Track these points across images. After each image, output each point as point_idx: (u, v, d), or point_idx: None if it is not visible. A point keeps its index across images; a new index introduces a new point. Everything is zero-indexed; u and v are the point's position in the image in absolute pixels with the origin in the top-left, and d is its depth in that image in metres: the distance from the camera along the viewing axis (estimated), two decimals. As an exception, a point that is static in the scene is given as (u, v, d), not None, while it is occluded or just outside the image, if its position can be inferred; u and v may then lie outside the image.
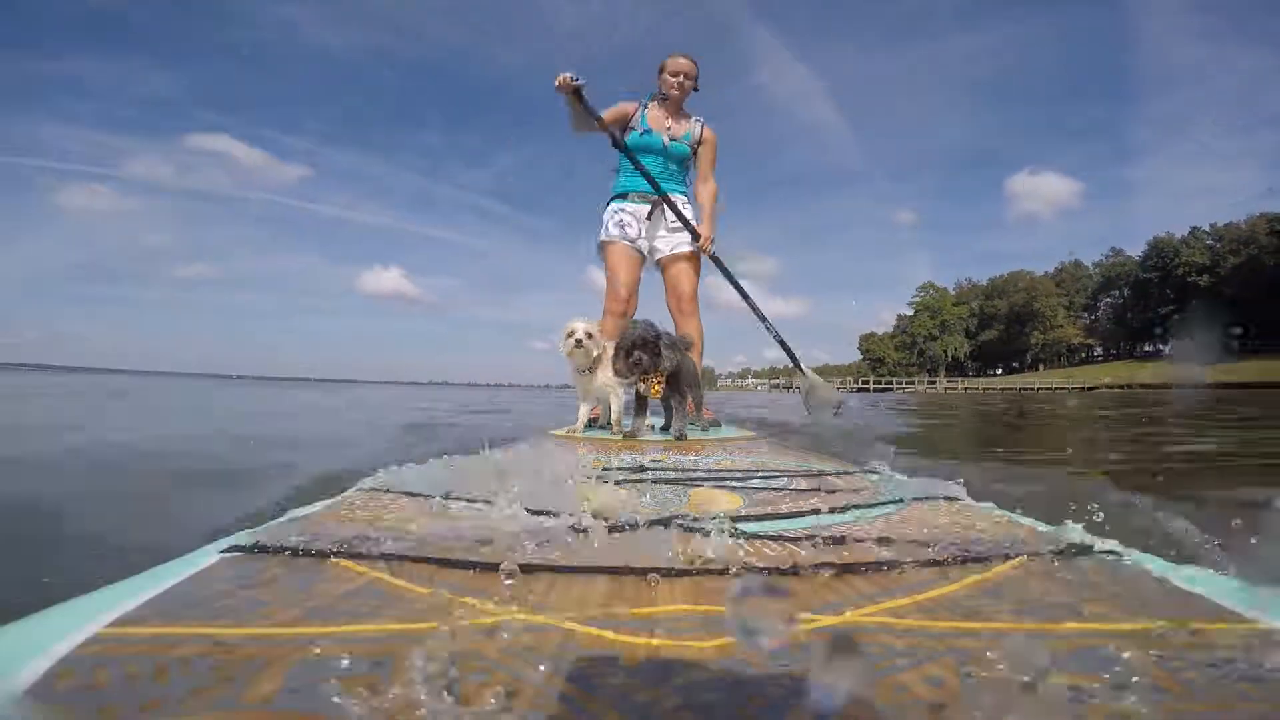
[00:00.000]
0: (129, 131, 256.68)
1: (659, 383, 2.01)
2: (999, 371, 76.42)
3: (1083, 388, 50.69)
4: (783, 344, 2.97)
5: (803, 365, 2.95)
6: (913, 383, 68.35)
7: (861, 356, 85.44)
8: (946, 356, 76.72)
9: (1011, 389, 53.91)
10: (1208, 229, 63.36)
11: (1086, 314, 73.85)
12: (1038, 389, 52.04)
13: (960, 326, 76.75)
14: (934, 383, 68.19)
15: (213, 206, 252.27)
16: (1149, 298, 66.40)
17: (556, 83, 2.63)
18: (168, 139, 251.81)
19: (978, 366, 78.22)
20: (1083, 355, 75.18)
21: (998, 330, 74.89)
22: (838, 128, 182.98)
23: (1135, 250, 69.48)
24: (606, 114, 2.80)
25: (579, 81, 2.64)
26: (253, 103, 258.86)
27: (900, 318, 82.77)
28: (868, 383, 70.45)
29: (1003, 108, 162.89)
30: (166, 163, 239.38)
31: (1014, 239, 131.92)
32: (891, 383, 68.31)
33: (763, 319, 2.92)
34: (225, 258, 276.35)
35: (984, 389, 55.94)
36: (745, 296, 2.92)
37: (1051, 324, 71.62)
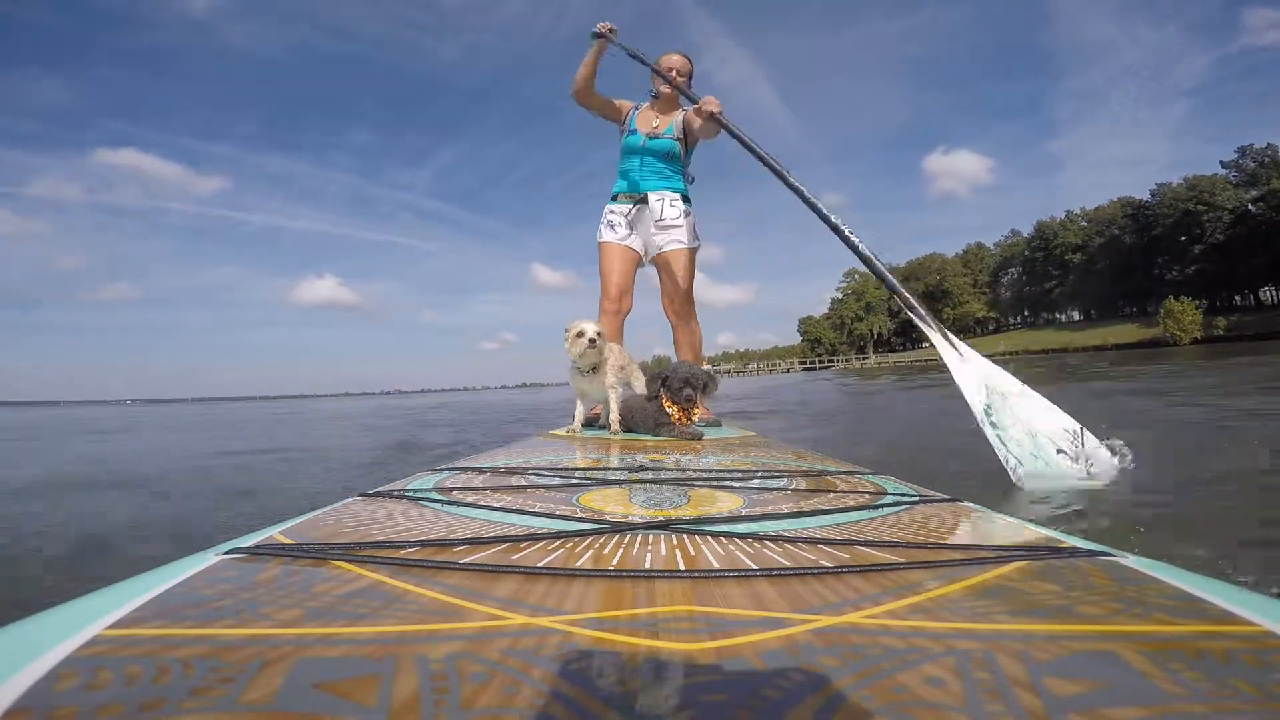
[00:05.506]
0: (26, 148, 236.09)
1: (681, 411, 2.02)
2: (926, 345, 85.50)
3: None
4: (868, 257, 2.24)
5: (943, 330, 1.96)
6: (834, 361, 76.01)
7: (801, 338, 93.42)
8: (872, 335, 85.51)
9: (919, 361, 61.92)
10: (1079, 211, 74.19)
11: (990, 290, 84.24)
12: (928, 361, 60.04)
13: (883, 307, 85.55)
14: (864, 359, 76.38)
15: (128, 222, 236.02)
16: (1036, 274, 77.04)
17: (605, 30, 2.71)
18: (71, 154, 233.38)
19: (901, 342, 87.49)
20: (992, 326, 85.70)
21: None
22: (777, 112, 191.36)
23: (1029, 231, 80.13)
24: (608, 105, 2.89)
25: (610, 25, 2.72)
26: (164, 111, 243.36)
27: (833, 301, 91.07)
28: (791, 365, 77.75)
29: (925, 88, 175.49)
30: (73, 180, 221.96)
31: (935, 216, 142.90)
32: (815, 362, 75.54)
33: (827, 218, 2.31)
34: (147, 275, 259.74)
35: (895, 363, 63.70)
36: (787, 177, 2.37)
37: (959, 300, 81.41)
